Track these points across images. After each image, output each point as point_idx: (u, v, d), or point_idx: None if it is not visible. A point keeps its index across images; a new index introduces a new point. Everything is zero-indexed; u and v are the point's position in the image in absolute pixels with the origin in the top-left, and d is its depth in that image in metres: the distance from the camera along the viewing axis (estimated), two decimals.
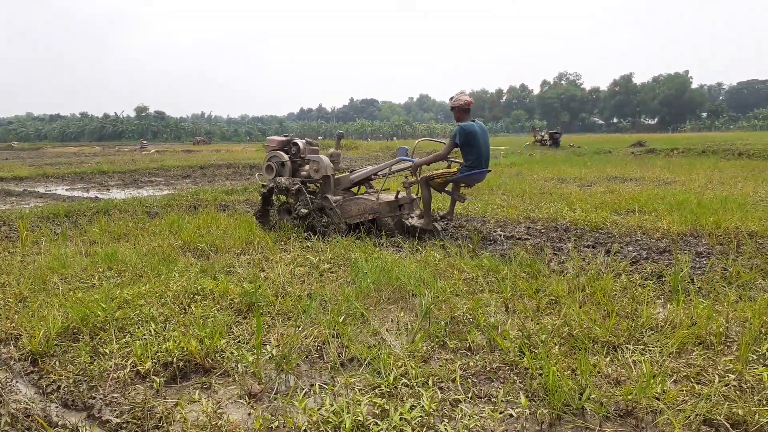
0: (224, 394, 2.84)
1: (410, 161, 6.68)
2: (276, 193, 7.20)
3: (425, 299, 3.86)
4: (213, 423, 2.48)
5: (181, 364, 3.07)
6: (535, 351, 3.06)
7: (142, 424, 2.50)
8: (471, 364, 3.02)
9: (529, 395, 2.65)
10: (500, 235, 6.62)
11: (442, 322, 3.57)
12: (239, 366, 3.09)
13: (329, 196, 6.82)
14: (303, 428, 2.37)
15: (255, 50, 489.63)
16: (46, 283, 4.53)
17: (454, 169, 6.52)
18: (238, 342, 3.41)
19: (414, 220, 6.65)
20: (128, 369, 3.00)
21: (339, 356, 3.17)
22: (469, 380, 2.86)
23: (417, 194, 6.89)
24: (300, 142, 7.20)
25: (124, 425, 2.50)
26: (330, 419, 2.40)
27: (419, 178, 6.56)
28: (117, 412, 2.60)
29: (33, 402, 2.74)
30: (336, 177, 7.08)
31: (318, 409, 2.51)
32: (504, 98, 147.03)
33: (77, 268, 4.96)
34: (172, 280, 4.49)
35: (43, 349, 3.27)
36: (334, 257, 5.46)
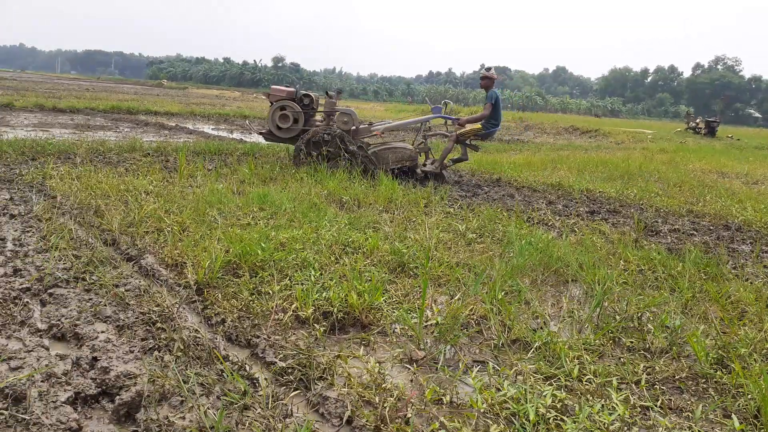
0: (385, 354, 2.73)
1: (450, 118, 8.32)
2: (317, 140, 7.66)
3: (596, 287, 3.50)
4: (377, 383, 2.36)
5: (340, 315, 2.99)
6: (732, 365, 2.64)
7: (306, 372, 2.43)
8: (656, 368, 2.67)
9: (741, 418, 2.28)
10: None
11: (616, 316, 3.22)
12: (398, 327, 2.96)
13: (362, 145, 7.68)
14: (481, 410, 2.18)
15: (390, 11, 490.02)
16: (205, 216, 4.68)
17: (479, 126, 8.05)
18: (394, 301, 3.29)
19: (427, 167, 8.11)
20: (290, 312, 2.97)
21: (501, 334, 2.94)
22: (656, 387, 2.52)
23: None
24: (312, 95, 8.15)
25: (289, 370, 2.44)
26: (509, 406, 2.19)
27: (455, 134, 8.01)
28: (281, 356, 2.56)
29: (201, 331, 2.77)
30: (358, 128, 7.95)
31: (495, 392, 2.30)
32: (649, 79, 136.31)
33: (232, 205, 5.10)
34: (323, 229, 4.47)
35: (207, 280, 3.34)
36: (480, 227, 5.20)
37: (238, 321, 2.90)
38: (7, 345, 2.49)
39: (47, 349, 2.53)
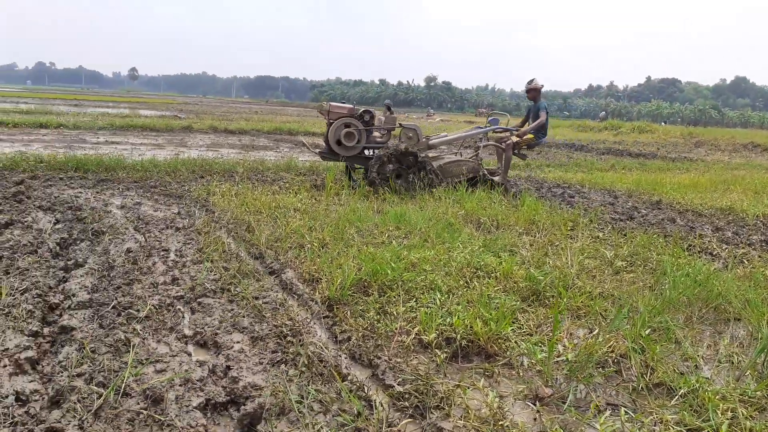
0: (508, 388, 2.58)
1: (509, 129, 8.52)
2: (391, 159, 7.45)
3: (763, 329, 3.04)
4: (496, 419, 2.24)
5: (464, 342, 2.90)
6: None
7: (423, 399, 2.38)
8: None
9: None
10: None
11: None
12: (525, 360, 2.80)
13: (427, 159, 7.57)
14: None
15: (541, 28, 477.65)
16: (344, 233, 4.83)
17: (531, 137, 8.38)
18: (523, 332, 3.12)
19: (495, 178, 8.11)
20: (413, 335, 2.94)
21: (642, 377, 2.65)
22: None
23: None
24: (372, 111, 7.81)
25: (407, 395, 2.41)
26: None
27: (509, 143, 8.27)
28: (400, 380, 2.53)
29: (326, 347, 2.84)
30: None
31: None
32: None
33: (370, 224, 5.22)
34: (455, 250, 4.40)
35: (338, 297, 3.42)
36: (632, 254, 4.79)
37: (362, 340, 2.93)
38: (156, 349, 2.74)
39: (190, 354, 2.75)
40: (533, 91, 8.58)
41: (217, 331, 2.95)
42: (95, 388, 2.28)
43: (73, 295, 3.33)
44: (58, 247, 4.36)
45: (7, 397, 2.24)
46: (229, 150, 12.54)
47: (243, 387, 2.40)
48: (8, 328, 2.83)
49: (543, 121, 8.41)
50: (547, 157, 15.49)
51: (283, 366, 2.61)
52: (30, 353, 2.62)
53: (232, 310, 3.27)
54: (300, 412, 2.23)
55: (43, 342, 2.79)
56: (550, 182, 10.05)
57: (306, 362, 2.62)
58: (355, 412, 2.24)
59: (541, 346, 2.87)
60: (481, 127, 8.81)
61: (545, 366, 2.67)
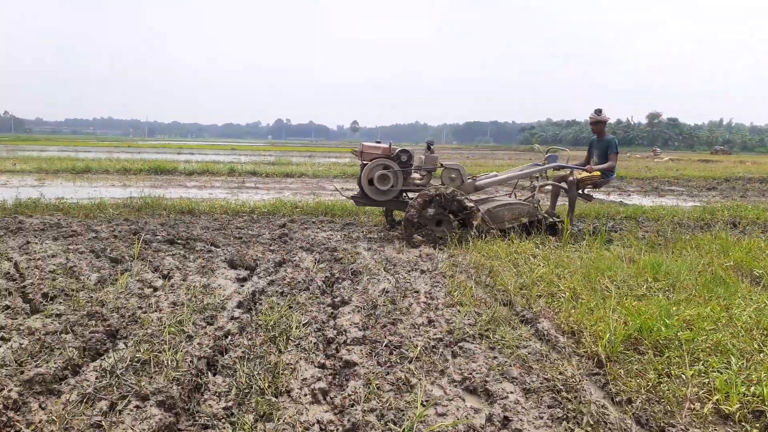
0: None
1: (571, 167, 7.57)
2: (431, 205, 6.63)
3: None
4: None
5: None
6: None
7: None
8: None
9: None
10: None
11: None
12: None
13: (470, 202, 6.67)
14: None
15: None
16: (596, 283, 4.56)
17: (598, 174, 7.40)
18: None
19: (549, 219, 7.16)
20: (709, 404, 2.60)
21: None
22: None
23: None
24: (410, 150, 7.11)
25: None
26: None
27: (572, 180, 7.42)
28: None
29: (605, 408, 2.64)
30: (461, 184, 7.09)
31: None
32: None
33: (622, 273, 4.86)
34: (736, 307, 3.86)
35: (608, 353, 3.20)
36: None
37: (647, 404, 2.67)
38: (431, 391, 2.81)
39: (463, 399, 2.76)
40: (600, 124, 7.70)
41: (487, 379, 2.93)
42: (392, 426, 2.39)
43: (346, 331, 3.60)
44: (323, 285, 4.81)
45: (313, 425, 2.45)
46: None
47: None
48: (301, 359, 3.14)
49: (613, 164, 7.63)
50: None
51: (566, 423, 2.48)
52: (322, 384, 2.86)
53: (496, 357, 3.24)
54: None
55: (327, 374, 3.04)
56: None
57: (591, 422, 2.46)
58: None
59: None
60: (538, 164, 7.73)
61: None
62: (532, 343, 3.45)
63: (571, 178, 7.51)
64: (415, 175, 7.27)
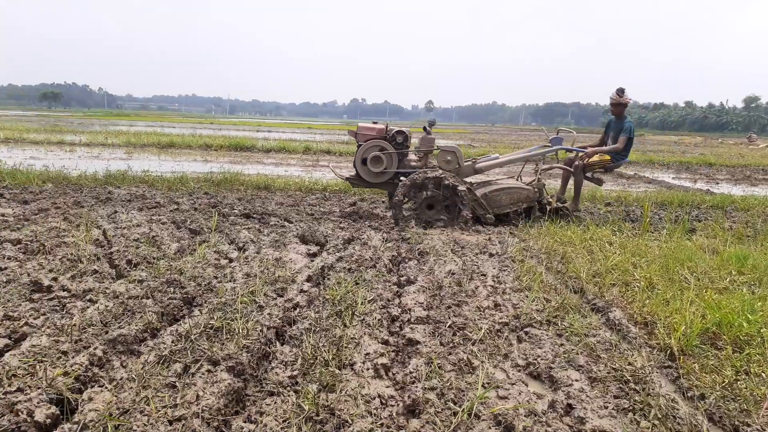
0: None
1: (575, 149, 7.25)
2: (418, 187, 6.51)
3: None
4: None
5: None
6: None
7: None
8: None
9: None
10: None
11: None
12: None
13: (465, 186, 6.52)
14: None
15: None
16: (674, 274, 4.36)
17: (608, 158, 7.16)
18: None
19: (554, 203, 7.04)
20: None
21: None
22: None
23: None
24: (406, 131, 6.86)
25: None
26: None
27: (578, 164, 7.16)
28: None
29: (675, 403, 2.54)
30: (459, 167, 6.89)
31: None
32: None
33: (704, 265, 4.62)
34: None
35: (682, 347, 3.06)
36: None
37: (721, 401, 2.55)
38: (494, 374, 2.79)
39: (526, 384, 2.73)
40: (621, 106, 7.26)
41: (552, 366, 2.88)
42: (452, 405, 2.40)
43: (410, 310, 3.63)
44: (390, 264, 4.85)
45: (374, 398, 2.51)
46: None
47: (591, 429, 2.28)
48: (365, 334, 3.20)
49: (620, 147, 7.15)
50: None
51: (631, 414, 2.41)
52: (384, 360, 2.91)
53: (563, 345, 3.17)
54: None
55: (389, 350, 3.08)
56: None
57: (659, 415, 2.37)
58: None
59: None
60: (541, 147, 7.33)
61: None
62: (601, 332, 3.36)
63: (576, 162, 7.30)
64: (413, 157, 7.16)
